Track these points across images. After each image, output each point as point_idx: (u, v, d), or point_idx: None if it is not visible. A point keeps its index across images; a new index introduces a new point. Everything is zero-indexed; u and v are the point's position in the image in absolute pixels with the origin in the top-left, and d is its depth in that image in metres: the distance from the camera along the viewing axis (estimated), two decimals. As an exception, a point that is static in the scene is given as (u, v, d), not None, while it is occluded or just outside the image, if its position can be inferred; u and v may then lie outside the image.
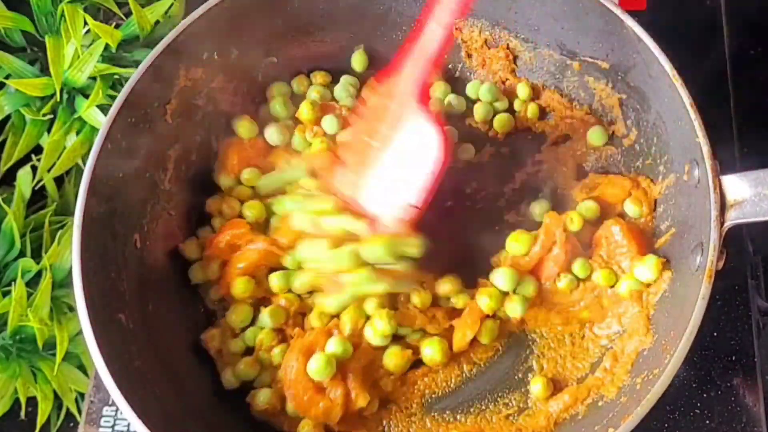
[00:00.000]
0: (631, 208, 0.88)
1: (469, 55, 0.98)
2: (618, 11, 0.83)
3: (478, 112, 0.97)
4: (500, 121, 0.96)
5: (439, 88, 0.98)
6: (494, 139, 0.97)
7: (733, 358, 0.88)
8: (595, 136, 0.93)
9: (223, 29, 0.90)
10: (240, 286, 0.87)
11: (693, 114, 0.77)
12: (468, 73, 0.99)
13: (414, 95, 0.83)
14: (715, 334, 0.89)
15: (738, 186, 0.75)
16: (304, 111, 0.95)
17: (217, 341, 0.87)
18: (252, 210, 0.91)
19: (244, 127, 0.94)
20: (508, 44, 0.96)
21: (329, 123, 0.94)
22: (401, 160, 0.85)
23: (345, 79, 0.98)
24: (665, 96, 0.81)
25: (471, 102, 0.98)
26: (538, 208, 0.91)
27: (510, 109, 0.97)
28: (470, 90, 0.98)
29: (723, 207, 0.75)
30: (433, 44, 0.81)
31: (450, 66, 1.00)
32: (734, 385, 0.87)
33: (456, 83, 0.99)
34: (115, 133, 0.83)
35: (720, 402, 0.87)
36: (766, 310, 0.91)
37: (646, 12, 1.03)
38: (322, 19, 0.96)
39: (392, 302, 0.86)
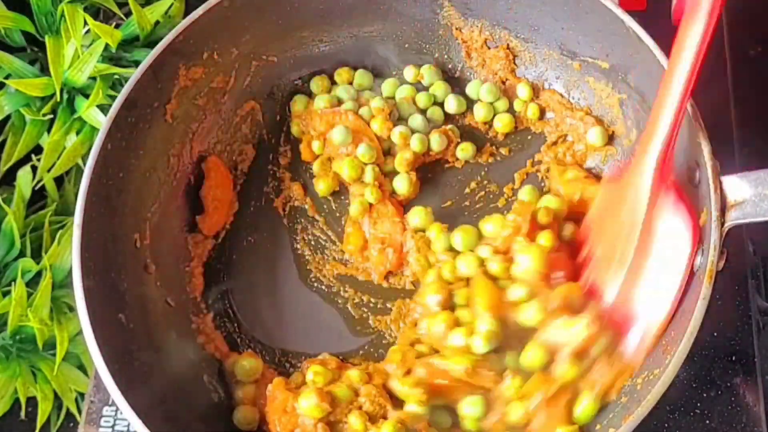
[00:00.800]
0: None
1: (469, 55, 0.98)
2: (618, 11, 0.83)
3: (479, 112, 0.97)
4: (500, 121, 0.96)
5: (438, 88, 0.98)
6: (494, 139, 0.97)
7: (733, 358, 0.88)
8: (595, 136, 0.92)
9: (223, 29, 0.90)
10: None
11: (693, 114, 0.77)
12: (468, 73, 0.99)
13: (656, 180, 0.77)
14: (715, 334, 0.89)
15: (738, 186, 0.74)
16: (317, 122, 0.95)
17: None
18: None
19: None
20: (508, 44, 0.96)
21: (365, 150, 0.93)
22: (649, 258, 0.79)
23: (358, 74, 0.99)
24: (666, 96, 0.81)
25: (471, 102, 0.98)
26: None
27: (510, 109, 0.97)
28: (470, 90, 0.98)
29: (723, 207, 0.75)
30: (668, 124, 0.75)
31: (450, 66, 1.00)
32: (734, 385, 0.87)
33: (456, 83, 0.99)
34: (116, 133, 0.83)
35: (720, 402, 0.87)
36: (766, 310, 0.91)
37: (646, 12, 1.03)
38: (321, 19, 0.96)
39: None
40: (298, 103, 0.98)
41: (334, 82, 0.99)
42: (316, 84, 0.99)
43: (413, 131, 0.95)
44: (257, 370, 0.86)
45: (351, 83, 0.99)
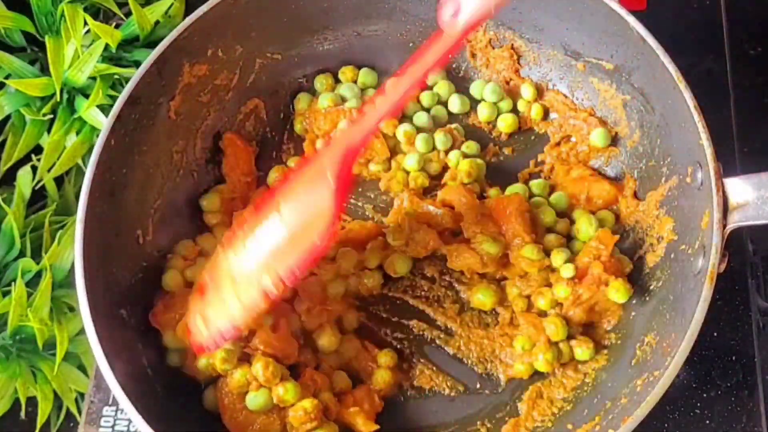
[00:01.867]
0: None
1: (474, 55, 0.98)
2: (623, 12, 0.83)
3: (482, 112, 0.97)
4: (504, 121, 0.96)
5: (443, 87, 0.98)
6: (497, 139, 0.97)
7: (733, 358, 0.88)
8: (598, 137, 0.92)
9: (228, 26, 0.90)
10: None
11: (697, 116, 0.77)
12: (472, 73, 0.99)
13: (335, 173, 0.75)
14: (715, 334, 0.89)
15: (741, 189, 0.75)
16: (321, 120, 0.95)
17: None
18: None
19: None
20: (512, 44, 0.96)
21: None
22: (288, 230, 0.77)
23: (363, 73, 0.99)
24: (669, 98, 0.81)
25: (474, 102, 0.98)
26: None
27: (513, 110, 0.97)
28: (474, 90, 0.98)
29: (726, 210, 0.75)
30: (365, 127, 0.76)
31: (454, 65, 0.99)
32: (734, 385, 0.87)
33: (460, 83, 0.99)
34: (119, 129, 0.83)
35: (720, 402, 0.87)
36: (766, 310, 0.91)
37: (646, 12, 1.03)
38: (326, 17, 0.96)
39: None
40: (301, 101, 0.98)
41: (338, 81, 0.99)
42: (320, 82, 0.98)
43: (418, 130, 0.95)
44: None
45: (355, 82, 0.99)
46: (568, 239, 0.90)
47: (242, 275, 0.77)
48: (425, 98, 0.97)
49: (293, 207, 0.76)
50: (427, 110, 0.97)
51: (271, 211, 0.77)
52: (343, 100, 0.97)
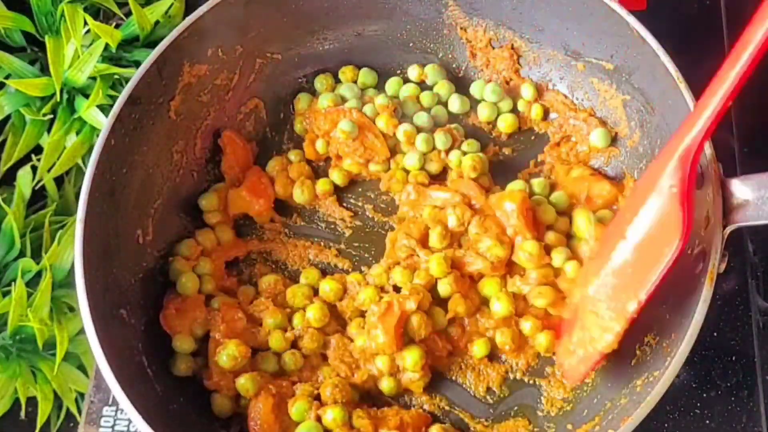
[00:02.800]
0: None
1: (474, 55, 0.98)
2: (623, 12, 0.84)
3: (482, 112, 0.97)
4: (504, 121, 0.96)
5: (443, 87, 0.98)
6: (497, 139, 0.97)
7: (733, 358, 0.89)
8: (598, 137, 0.92)
9: (228, 26, 0.90)
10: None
11: (696, 116, 0.77)
12: (472, 73, 0.99)
13: (676, 179, 0.73)
14: (715, 334, 0.89)
15: (741, 189, 0.74)
16: (321, 121, 0.95)
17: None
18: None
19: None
20: (512, 44, 0.96)
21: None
22: (636, 250, 0.77)
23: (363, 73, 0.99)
24: (669, 98, 0.81)
25: (474, 102, 0.98)
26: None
27: (513, 110, 0.97)
28: (474, 90, 0.98)
29: (726, 210, 0.75)
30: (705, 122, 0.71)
31: (454, 65, 0.99)
32: (734, 385, 0.88)
33: (460, 83, 0.99)
34: (119, 129, 0.84)
35: (720, 402, 0.87)
36: (766, 310, 0.91)
37: (646, 12, 1.03)
38: (326, 17, 0.96)
39: None
40: (302, 101, 0.98)
41: (338, 81, 0.99)
42: (320, 82, 0.99)
43: (418, 130, 0.95)
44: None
45: (355, 82, 0.99)
46: (569, 239, 0.90)
47: (600, 304, 0.79)
48: (425, 98, 0.97)
49: (639, 227, 0.76)
50: (428, 110, 0.97)
51: (616, 238, 0.78)
52: (343, 100, 0.97)
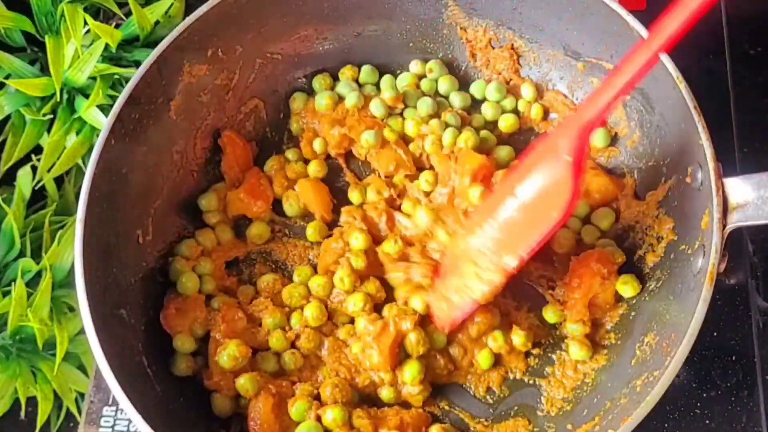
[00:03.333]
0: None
1: (474, 55, 0.98)
2: (623, 12, 0.83)
3: (486, 111, 0.97)
4: (505, 121, 0.96)
5: (446, 82, 0.98)
6: (498, 138, 0.97)
7: (733, 358, 0.89)
8: (598, 137, 0.93)
9: (228, 26, 0.90)
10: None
11: (696, 116, 0.77)
12: (472, 73, 0.99)
13: (572, 149, 0.75)
14: (715, 334, 0.89)
15: (741, 189, 0.75)
16: (318, 121, 0.96)
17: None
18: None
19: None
20: (512, 44, 0.96)
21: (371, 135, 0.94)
22: (525, 210, 0.80)
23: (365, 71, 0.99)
24: (669, 98, 0.81)
25: (475, 101, 0.98)
26: None
27: (514, 110, 0.97)
28: (474, 89, 0.98)
29: (725, 210, 0.75)
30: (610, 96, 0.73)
31: (454, 65, 1.00)
32: (734, 385, 0.88)
33: (460, 83, 0.99)
34: (119, 129, 0.84)
35: (720, 402, 0.87)
36: (766, 310, 0.91)
37: (646, 12, 1.03)
38: (326, 17, 0.96)
39: None
40: (297, 100, 0.98)
41: (336, 80, 0.99)
42: (318, 82, 0.99)
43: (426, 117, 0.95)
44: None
45: (355, 81, 0.99)
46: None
47: (481, 256, 0.82)
48: (424, 84, 0.98)
49: (529, 187, 0.79)
50: (430, 95, 0.98)
51: (505, 195, 0.81)
52: (341, 98, 0.97)
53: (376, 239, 0.90)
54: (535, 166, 0.79)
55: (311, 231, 0.92)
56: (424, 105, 0.96)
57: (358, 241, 0.89)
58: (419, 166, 0.95)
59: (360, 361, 0.84)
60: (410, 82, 0.97)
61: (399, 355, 0.84)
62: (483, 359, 0.85)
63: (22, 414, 0.89)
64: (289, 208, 0.94)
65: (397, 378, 0.84)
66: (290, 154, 0.96)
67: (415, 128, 0.94)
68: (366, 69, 0.99)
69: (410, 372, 0.83)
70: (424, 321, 0.86)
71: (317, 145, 0.95)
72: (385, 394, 0.84)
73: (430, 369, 0.85)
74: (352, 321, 0.88)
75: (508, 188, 0.81)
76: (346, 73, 0.99)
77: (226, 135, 0.94)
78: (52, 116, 0.94)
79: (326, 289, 0.88)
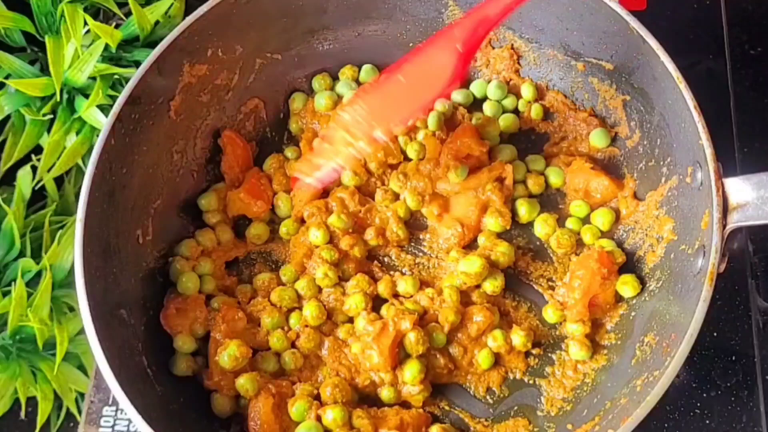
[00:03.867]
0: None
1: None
2: (623, 12, 0.84)
3: (487, 110, 0.97)
4: (504, 121, 0.96)
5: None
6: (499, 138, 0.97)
7: (733, 358, 0.89)
8: (598, 137, 0.93)
9: (228, 26, 0.90)
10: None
11: (697, 116, 0.77)
12: (472, 73, 0.99)
13: (465, 40, 0.82)
14: (715, 334, 0.89)
15: (741, 189, 0.75)
16: (317, 121, 0.96)
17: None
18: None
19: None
20: (512, 44, 0.96)
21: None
22: (406, 87, 0.85)
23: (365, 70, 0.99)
24: (669, 98, 0.81)
25: (475, 100, 0.98)
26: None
27: (514, 109, 0.97)
28: (474, 89, 0.98)
29: (725, 210, 0.75)
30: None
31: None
32: (734, 385, 0.87)
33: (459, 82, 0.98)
34: (119, 129, 0.84)
35: (720, 402, 0.87)
36: (766, 310, 0.91)
37: (646, 12, 1.03)
38: (326, 17, 0.96)
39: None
40: (296, 100, 0.98)
41: (336, 80, 0.99)
42: (318, 82, 0.99)
43: None
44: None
45: (355, 80, 0.99)
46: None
47: (356, 125, 0.86)
48: None
49: (415, 67, 0.84)
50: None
51: (393, 73, 0.86)
52: (341, 98, 0.97)
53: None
54: (427, 50, 0.84)
55: (284, 229, 0.93)
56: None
57: (317, 237, 0.89)
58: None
59: (360, 361, 0.84)
60: None
61: (399, 355, 0.84)
62: (483, 359, 0.85)
63: (22, 414, 0.89)
64: (281, 208, 0.94)
65: (397, 378, 0.84)
66: (289, 152, 0.96)
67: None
68: (366, 69, 0.99)
69: (410, 372, 0.83)
70: (424, 320, 0.86)
71: (317, 144, 0.95)
72: (385, 394, 0.84)
73: (430, 368, 0.85)
74: (351, 319, 0.88)
75: (396, 68, 0.86)
76: (346, 73, 0.99)
77: (226, 135, 0.94)
78: (52, 116, 0.94)
79: (312, 290, 0.88)
